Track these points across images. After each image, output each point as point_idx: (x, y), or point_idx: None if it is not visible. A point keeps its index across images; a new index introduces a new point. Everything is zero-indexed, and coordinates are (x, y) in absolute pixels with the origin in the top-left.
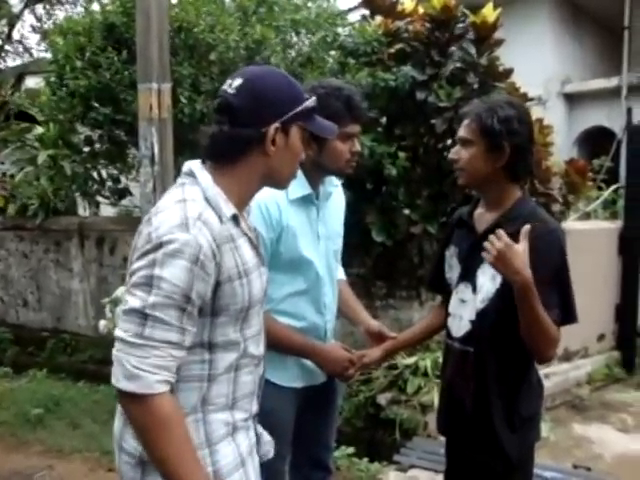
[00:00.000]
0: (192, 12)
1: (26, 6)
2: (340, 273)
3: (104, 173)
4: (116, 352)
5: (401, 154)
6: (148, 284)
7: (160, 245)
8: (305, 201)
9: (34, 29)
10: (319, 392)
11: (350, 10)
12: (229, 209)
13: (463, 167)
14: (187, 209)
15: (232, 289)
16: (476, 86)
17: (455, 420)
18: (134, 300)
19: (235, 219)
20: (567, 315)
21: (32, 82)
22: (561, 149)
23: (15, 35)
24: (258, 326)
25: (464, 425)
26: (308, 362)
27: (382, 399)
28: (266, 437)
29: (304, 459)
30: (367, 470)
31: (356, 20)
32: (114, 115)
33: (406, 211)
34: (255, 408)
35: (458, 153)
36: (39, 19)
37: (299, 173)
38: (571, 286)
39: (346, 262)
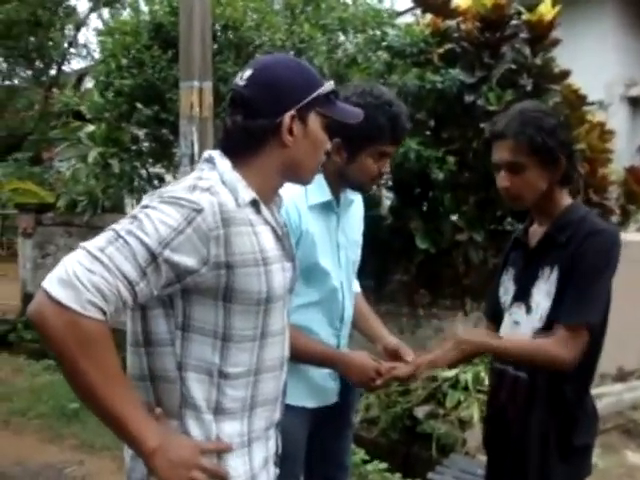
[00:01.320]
0: (239, 10)
1: (92, 10)
2: (355, 286)
3: (150, 171)
4: (68, 256)
5: (449, 158)
6: (134, 216)
7: (159, 196)
8: (325, 208)
9: (98, 33)
10: (332, 410)
11: (404, 12)
12: (248, 194)
13: (519, 194)
14: (198, 183)
15: (248, 275)
16: (529, 88)
17: (502, 448)
18: (117, 224)
19: (255, 204)
20: (584, 316)
21: (92, 83)
22: (623, 156)
23: (81, 39)
24: (281, 325)
25: (511, 452)
26: (319, 380)
27: (419, 412)
28: None
29: (319, 479)
30: None
31: (410, 21)
32: (158, 114)
33: (452, 218)
34: (278, 416)
35: (510, 180)
36: (105, 23)
37: (320, 178)
38: (604, 291)
39: (388, 267)
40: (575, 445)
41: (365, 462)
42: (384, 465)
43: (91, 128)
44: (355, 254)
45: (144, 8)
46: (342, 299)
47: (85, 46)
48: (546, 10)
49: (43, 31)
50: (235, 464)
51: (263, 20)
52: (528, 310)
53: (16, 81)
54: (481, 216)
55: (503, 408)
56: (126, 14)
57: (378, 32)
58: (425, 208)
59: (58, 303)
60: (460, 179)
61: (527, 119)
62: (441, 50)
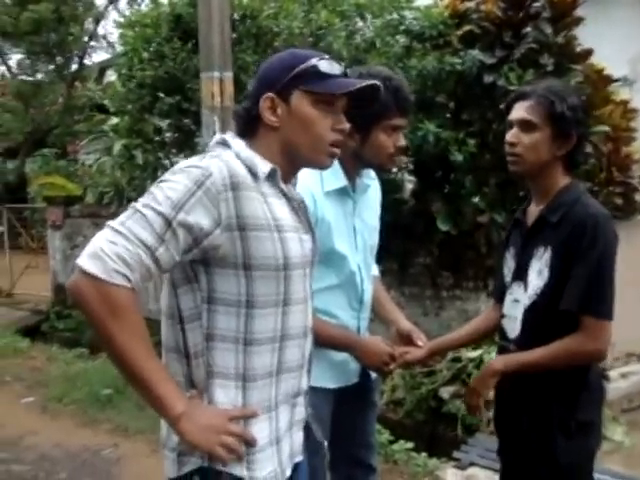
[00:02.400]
0: (257, 0)
1: (111, 2)
2: (374, 270)
3: (174, 161)
4: (98, 234)
5: (470, 140)
6: (150, 192)
7: (172, 170)
8: (341, 193)
9: (117, 24)
10: (355, 391)
11: None
12: (266, 165)
13: (521, 153)
14: (208, 154)
15: (261, 239)
16: (550, 68)
17: (509, 425)
18: (136, 202)
19: (273, 175)
20: (593, 307)
21: (114, 76)
22: None
23: (100, 31)
24: (303, 295)
25: (517, 430)
26: (340, 360)
27: (444, 392)
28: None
29: (345, 459)
30: (425, 465)
31: (429, 3)
32: (180, 104)
33: (473, 199)
34: (305, 384)
35: (517, 137)
36: (123, 15)
37: (335, 164)
38: (607, 279)
39: (411, 251)
40: (579, 422)
41: (391, 442)
42: (410, 445)
43: (115, 120)
44: (372, 239)
45: (163, 0)
46: (360, 282)
47: (105, 38)
48: None
49: (64, 27)
50: (260, 428)
51: (280, 9)
52: (526, 288)
53: (39, 76)
54: (502, 197)
55: (506, 387)
56: (144, 6)
57: (396, 16)
58: (446, 190)
59: (89, 275)
60: (481, 161)
61: (554, 89)
62: (460, 32)
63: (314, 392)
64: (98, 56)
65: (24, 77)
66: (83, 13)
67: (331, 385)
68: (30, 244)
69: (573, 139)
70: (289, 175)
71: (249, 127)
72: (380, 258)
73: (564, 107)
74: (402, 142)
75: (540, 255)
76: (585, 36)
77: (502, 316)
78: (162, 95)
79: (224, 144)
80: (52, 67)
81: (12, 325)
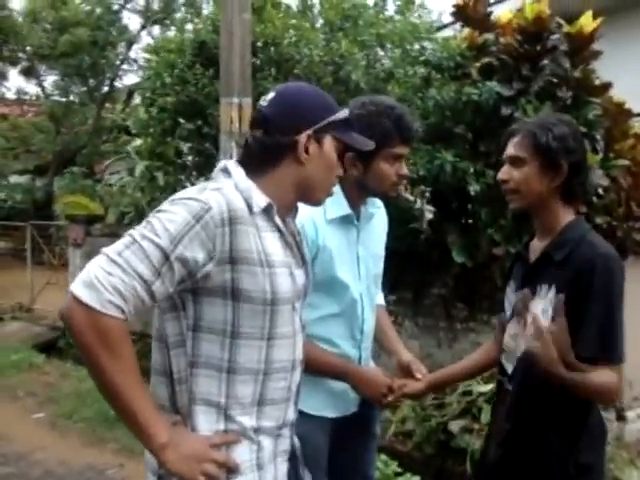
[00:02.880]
0: (278, 27)
1: (143, 27)
2: (379, 299)
3: (194, 183)
4: (92, 261)
5: (488, 172)
6: (148, 221)
7: (171, 199)
8: (344, 222)
9: (144, 49)
10: (354, 421)
11: (444, 27)
12: (263, 199)
13: (515, 188)
14: (209, 185)
15: (251, 273)
16: (568, 101)
17: (508, 466)
18: (134, 229)
19: (268, 210)
20: (608, 352)
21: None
22: None
23: (132, 55)
24: (291, 329)
25: (516, 472)
26: (339, 389)
27: (454, 426)
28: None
29: None
30: None
31: (445, 35)
32: (201, 129)
33: (489, 231)
34: (291, 415)
35: (509, 173)
36: (154, 40)
37: (338, 192)
38: (617, 321)
39: (426, 281)
40: (579, 464)
41: (397, 475)
42: (416, 478)
43: (138, 142)
44: (376, 267)
45: (189, 27)
46: (362, 311)
47: (136, 61)
48: (586, 22)
49: (98, 50)
50: (242, 451)
51: (302, 36)
52: (525, 325)
53: (71, 97)
54: (518, 230)
55: (506, 427)
56: (173, 32)
57: (416, 46)
58: (463, 222)
59: (82, 303)
60: (497, 192)
61: (541, 122)
62: (479, 64)
63: (311, 420)
64: (129, 79)
65: (57, 98)
66: (117, 37)
67: (329, 414)
68: (52, 261)
69: (564, 169)
70: (291, 207)
71: (271, 157)
72: (394, 287)
73: (549, 138)
74: (404, 170)
75: (544, 294)
76: (604, 69)
77: (502, 351)
78: (182, 120)
79: (226, 172)
80: (84, 89)
81: (30, 340)
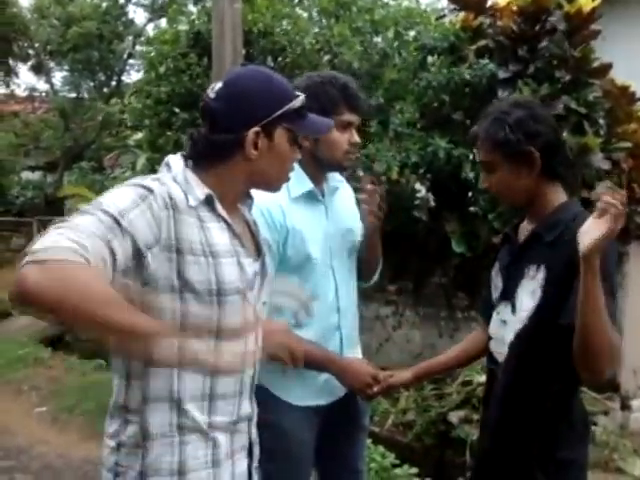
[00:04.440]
0: (268, 16)
1: (150, 21)
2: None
3: None
4: (48, 230)
5: None
6: (95, 200)
7: (115, 188)
8: (309, 199)
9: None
10: (341, 411)
11: (443, 15)
12: (202, 191)
13: (498, 192)
14: (149, 177)
15: (196, 263)
16: (567, 83)
17: (490, 462)
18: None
19: (209, 202)
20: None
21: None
22: None
23: (139, 48)
24: (242, 320)
25: (498, 468)
26: (323, 375)
27: (454, 417)
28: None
29: None
30: None
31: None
32: (195, 120)
33: (489, 218)
34: (247, 410)
35: (487, 180)
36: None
37: (298, 169)
38: (612, 295)
39: (426, 270)
40: (560, 460)
41: (395, 466)
42: (414, 470)
43: (139, 135)
44: (350, 241)
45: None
46: (335, 289)
47: (142, 56)
48: (585, 1)
49: (105, 44)
50: (194, 447)
51: (294, 25)
52: (513, 309)
53: (81, 93)
54: (518, 218)
55: (489, 424)
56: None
57: (412, 32)
58: (462, 209)
59: (39, 261)
60: None
61: (494, 116)
62: (475, 47)
63: (296, 412)
64: (137, 74)
65: (66, 94)
66: (123, 31)
67: (315, 402)
68: None
69: (534, 155)
70: (241, 197)
71: (218, 153)
72: (395, 277)
73: (506, 131)
74: (356, 138)
75: (532, 275)
76: (606, 54)
77: (489, 338)
78: (177, 110)
79: (167, 166)
80: (93, 84)
81: (37, 334)
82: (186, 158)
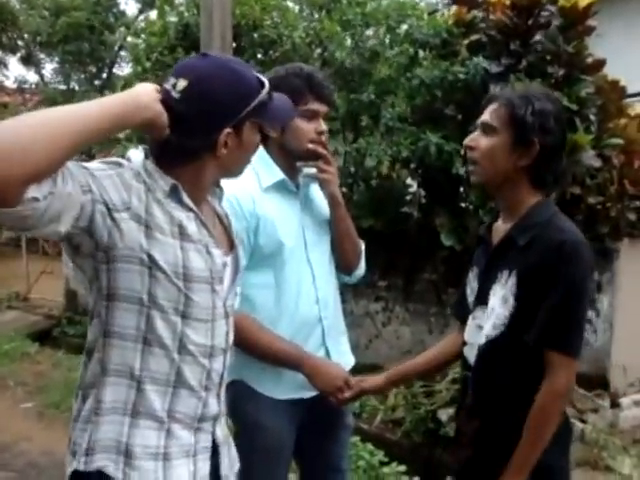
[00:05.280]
0: (257, 9)
1: (140, 12)
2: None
3: None
4: None
5: None
6: None
7: None
8: (282, 188)
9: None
10: (323, 407)
11: (436, 11)
12: (167, 181)
13: (479, 159)
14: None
15: (164, 243)
16: (560, 78)
17: (472, 467)
18: None
19: (175, 192)
20: (556, 340)
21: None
22: None
23: (130, 40)
24: (209, 312)
25: (476, 476)
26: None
27: (443, 415)
28: (232, 452)
29: None
30: None
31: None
32: None
33: (480, 213)
34: (214, 409)
35: (476, 140)
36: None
37: (268, 160)
38: (576, 311)
39: (416, 266)
40: (539, 466)
41: (383, 464)
42: (402, 468)
43: None
44: (327, 232)
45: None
46: (313, 279)
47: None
48: None
49: (96, 35)
50: (146, 435)
51: (283, 18)
52: (489, 315)
53: (72, 85)
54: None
55: (474, 426)
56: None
57: (404, 26)
58: (453, 205)
59: None
60: None
61: (525, 93)
62: (467, 41)
63: (275, 406)
64: (128, 66)
65: (57, 86)
66: (114, 23)
67: (291, 396)
68: (46, 249)
69: (535, 148)
70: (208, 188)
71: (186, 156)
72: (384, 273)
73: (527, 111)
74: (323, 127)
75: (504, 280)
76: (605, 50)
77: (464, 343)
78: None
79: (128, 160)
80: (84, 76)
81: (25, 329)
82: (147, 154)
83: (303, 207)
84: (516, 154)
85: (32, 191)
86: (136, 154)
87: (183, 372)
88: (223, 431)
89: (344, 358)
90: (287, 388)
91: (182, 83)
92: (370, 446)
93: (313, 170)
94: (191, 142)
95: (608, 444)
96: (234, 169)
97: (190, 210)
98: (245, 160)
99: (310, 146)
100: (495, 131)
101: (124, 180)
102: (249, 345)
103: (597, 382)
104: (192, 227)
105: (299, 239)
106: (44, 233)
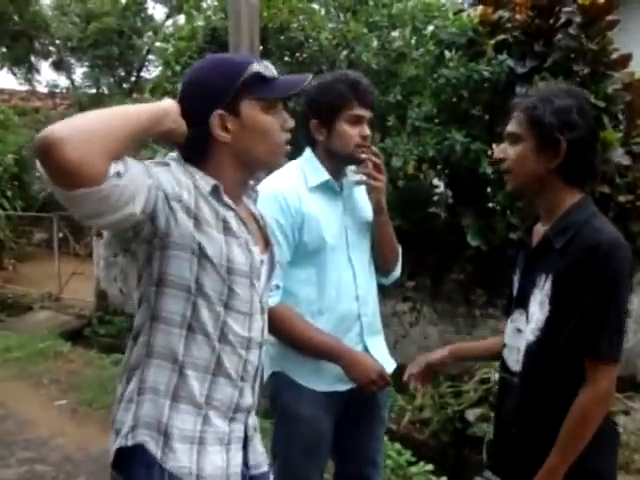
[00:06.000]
0: (285, 12)
1: (168, 17)
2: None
3: None
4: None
5: None
6: None
7: None
8: (327, 189)
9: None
10: (360, 399)
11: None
12: (208, 182)
13: (510, 168)
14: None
15: (212, 237)
16: (585, 75)
17: (513, 474)
18: None
19: (215, 191)
20: (592, 346)
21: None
22: None
23: (158, 44)
24: (248, 306)
25: (518, 470)
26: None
27: (471, 415)
28: (258, 447)
29: (348, 476)
30: None
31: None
32: None
33: (507, 214)
34: (248, 401)
35: (504, 151)
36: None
37: (315, 161)
38: (610, 314)
39: (444, 266)
40: (588, 471)
41: (410, 464)
42: (430, 467)
43: None
44: (366, 235)
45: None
46: (354, 278)
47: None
48: None
49: (125, 40)
50: (184, 419)
51: (310, 20)
52: (528, 319)
53: (101, 88)
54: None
55: (512, 431)
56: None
57: (430, 27)
58: (479, 205)
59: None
60: None
61: (544, 94)
62: (493, 41)
63: (315, 398)
64: (156, 69)
65: (87, 90)
66: (142, 27)
67: (329, 388)
68: (77, 250)
69: (562, 145)
70: (243, 186)
71: (200, 148)
72: (412, 274)
73: (546, 111)
74: (367, 131)
75: (542, 284)
76: (632, 44)
77: (504, 345)
78: None
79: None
80: (113, 80)
81: (57, 328)
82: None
83: (345, 208)
84: (545, 156)
85: (113, 168)
86: (174, 157)
87: (223, 361)
88: (254, 424)
89: (384, 358)
90: (325, 380)
91: (180, 86)
92: (398, 445)
93: (358, 176)
94: (194, 132)
95: None
96: (255, 154)
97: (230, 209)
98: (260, 142)
99: (364, 156)
100: (520, 138)
101: (174, 174)
102: (290, 335)
103: (628, 384)
104: (234, 223)
105: (341, 238)
106: (118, 218)
